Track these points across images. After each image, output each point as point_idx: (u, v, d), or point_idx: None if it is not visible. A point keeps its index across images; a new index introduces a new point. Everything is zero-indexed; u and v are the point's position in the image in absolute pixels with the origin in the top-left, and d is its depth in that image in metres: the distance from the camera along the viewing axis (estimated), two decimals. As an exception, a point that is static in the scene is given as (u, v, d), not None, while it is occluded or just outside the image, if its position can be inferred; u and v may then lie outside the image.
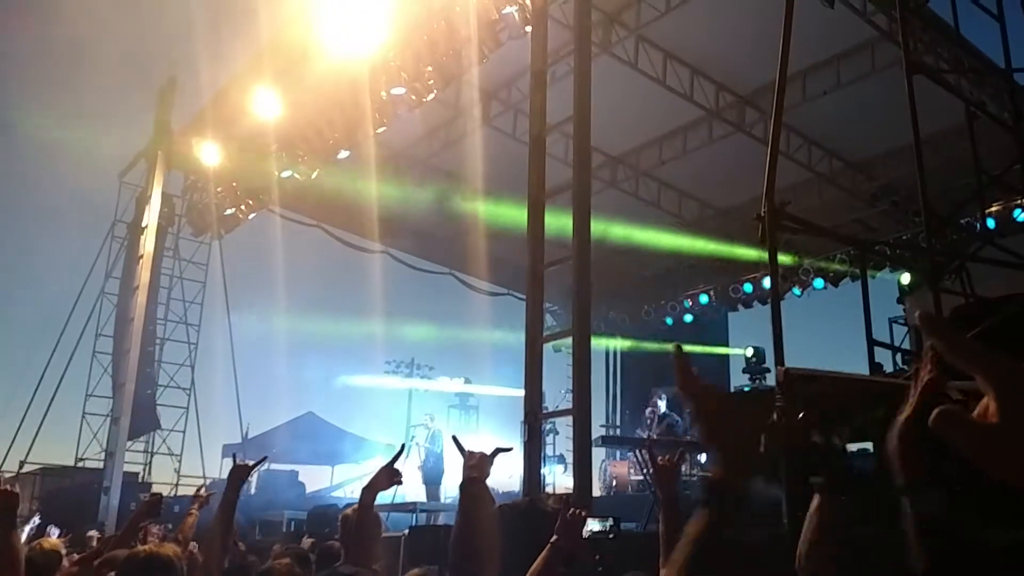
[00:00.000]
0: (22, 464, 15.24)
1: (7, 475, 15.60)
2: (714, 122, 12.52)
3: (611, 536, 4.81)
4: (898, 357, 7.50)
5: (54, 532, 6.47)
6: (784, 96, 5.56)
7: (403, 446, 3.81)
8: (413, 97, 11.14)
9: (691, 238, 14.86)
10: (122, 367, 15.02)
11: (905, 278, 11.89)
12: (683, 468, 11.47)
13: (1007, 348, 0.77)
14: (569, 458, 10.05)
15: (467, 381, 20.06)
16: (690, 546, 1.03)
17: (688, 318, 16.47)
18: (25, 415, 15.35)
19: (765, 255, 5.05)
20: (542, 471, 7.74)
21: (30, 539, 8.25)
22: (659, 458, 3.49)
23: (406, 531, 7.56)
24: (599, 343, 17.59)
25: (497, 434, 16.02)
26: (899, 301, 11.14)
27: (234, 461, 3.50)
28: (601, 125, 8.28)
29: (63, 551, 5.39)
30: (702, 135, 12.84)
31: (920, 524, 1.27)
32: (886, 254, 10.15)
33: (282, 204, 15.22)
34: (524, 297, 7.61)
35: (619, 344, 18.39)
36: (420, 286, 17.62)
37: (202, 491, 5.26)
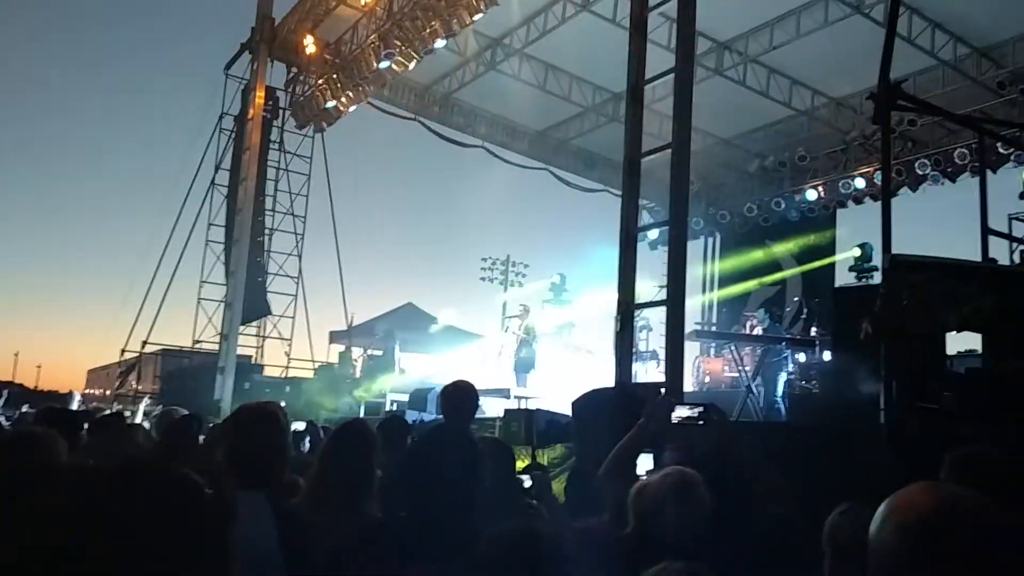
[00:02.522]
0: (144, 344, 16.32)
1: (130, 355, 16.82)
2: (831, 3, 11.67)
3: (700, 423, 4.80)
4: (1016, 253, 7.04)
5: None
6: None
7: None
8: (512, -20, 10.83)
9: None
10: (233, 255, 15.73)
11: (1028, 173, 11.09)
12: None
13: None
14: (662, 354, 10.02)
15: (562, 278, 20.11)
16: None
17: (794, 215, 15.82)
18: (144, 300, 16.33)
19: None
20: (633, 367, 7.76)
21: (146, 413, 8.95)
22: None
23: (501, 413, 7.89)
24: (698, 242, 17.29)
25: (589, 329, 16.09)
26: (1022, 197, 10.43)
27: None
28: (707, 7, 7.81)
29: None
30: (817, 17, 11.96)
31: None
32: (1008, 138, 9.40)
33: (381, 97, 15.28)
34: (620, 193, 7.46)
35: (719, 241, 17.99)
36: (516, 182, 17.58)
37: None
